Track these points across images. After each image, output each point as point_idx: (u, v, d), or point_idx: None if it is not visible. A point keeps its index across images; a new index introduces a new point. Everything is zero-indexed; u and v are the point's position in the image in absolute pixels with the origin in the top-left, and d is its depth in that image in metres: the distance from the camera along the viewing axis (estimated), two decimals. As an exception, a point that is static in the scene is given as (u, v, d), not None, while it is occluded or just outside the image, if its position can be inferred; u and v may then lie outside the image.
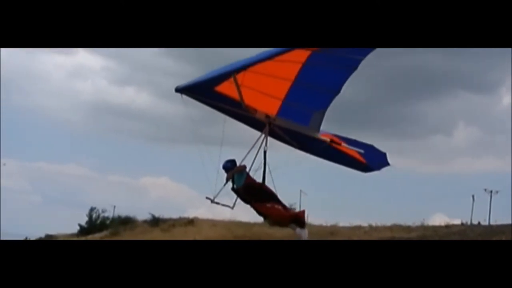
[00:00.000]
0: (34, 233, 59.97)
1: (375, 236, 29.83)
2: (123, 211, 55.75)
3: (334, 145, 11.70)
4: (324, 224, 38.17)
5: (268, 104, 10.98)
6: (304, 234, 11.12)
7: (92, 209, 57.72)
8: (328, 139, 11.53)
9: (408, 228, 31.37)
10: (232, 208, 11.57)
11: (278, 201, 11.16)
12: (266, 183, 11.30)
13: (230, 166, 11.39)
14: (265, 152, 11.41)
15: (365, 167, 13.07)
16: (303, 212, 11.46)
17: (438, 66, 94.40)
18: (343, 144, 11.82)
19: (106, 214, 58.03)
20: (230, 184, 11.28)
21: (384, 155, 12.40)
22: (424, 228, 31.59)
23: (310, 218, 44.57)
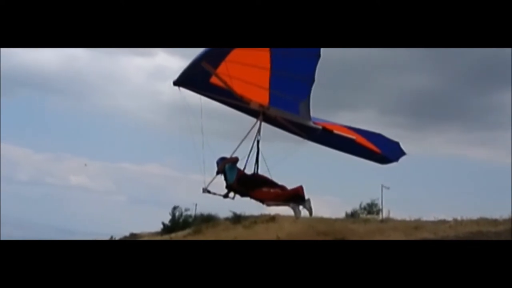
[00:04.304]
0: (119, 232, 61.44)
1: (460, 231, 29.12)
2: (204, 209, 56.37)
3: (327, 129, 11.65)
4: (407, 219, 37.48)
5: (258, 94, 11.18)
6: (297, 210, 11.20)
7: (175, 208, 58.78)
8: (320, 127, 11.53)
9: (495, 222, 30.41)
10: (233, 198, 11.71)
11: (275, 185, 11.23)
12: (264, 172, 11.46)
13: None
14: (258, 142, 11.60)
15: (381, 158, 12.95)
16: (301, 187, 11.32)
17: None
18: (335, 131, 11.77)
19: (188, 213, 58.70)
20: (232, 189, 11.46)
21: (397, 144, 12.16)
22: (512, 221, 30.48)
23: (393, 213, 44.17)
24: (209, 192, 11.47)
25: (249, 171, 11.60)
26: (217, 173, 11.40)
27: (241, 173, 11.38)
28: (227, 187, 11.42)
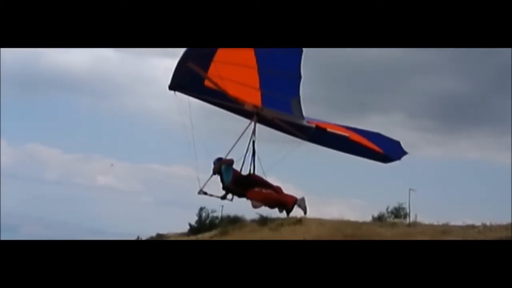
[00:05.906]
0: (146, 232, 61.79)
1: (489, 236, 28.87)
2: (231, 210, 56.54)
3: (321, 128, 11.60)
4: (435, 223, 37.25)
5: (251, 95, 11.12)
6: (280, 209, 11.25)
7: (201, 209, 58.92)
8: (313, 125, 11.47)
9: (526, 228, 29.99)
10: (231, 200, 11.70)
11: (268, 186, 11.21)
12: (260, 173, 11.49)
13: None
14: (253, 142, 11.60)
15: (383, 157, 12.84)
16: (294, 201, 11.21)
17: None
18: (329, 129, 11.68)
19: (215, 214, 58.84)
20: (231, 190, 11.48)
21: (398, 143, 12.04)
22: (543, 227, 30.16)
23: (421, 217, 43.89)
24: (205, 193, 11.48)
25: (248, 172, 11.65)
26: (213, 173, 11.44)
27: (237, 174, 11.41)
28: (224, 188, 11.45)
